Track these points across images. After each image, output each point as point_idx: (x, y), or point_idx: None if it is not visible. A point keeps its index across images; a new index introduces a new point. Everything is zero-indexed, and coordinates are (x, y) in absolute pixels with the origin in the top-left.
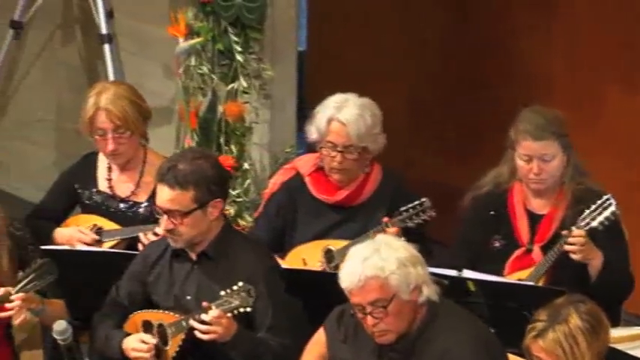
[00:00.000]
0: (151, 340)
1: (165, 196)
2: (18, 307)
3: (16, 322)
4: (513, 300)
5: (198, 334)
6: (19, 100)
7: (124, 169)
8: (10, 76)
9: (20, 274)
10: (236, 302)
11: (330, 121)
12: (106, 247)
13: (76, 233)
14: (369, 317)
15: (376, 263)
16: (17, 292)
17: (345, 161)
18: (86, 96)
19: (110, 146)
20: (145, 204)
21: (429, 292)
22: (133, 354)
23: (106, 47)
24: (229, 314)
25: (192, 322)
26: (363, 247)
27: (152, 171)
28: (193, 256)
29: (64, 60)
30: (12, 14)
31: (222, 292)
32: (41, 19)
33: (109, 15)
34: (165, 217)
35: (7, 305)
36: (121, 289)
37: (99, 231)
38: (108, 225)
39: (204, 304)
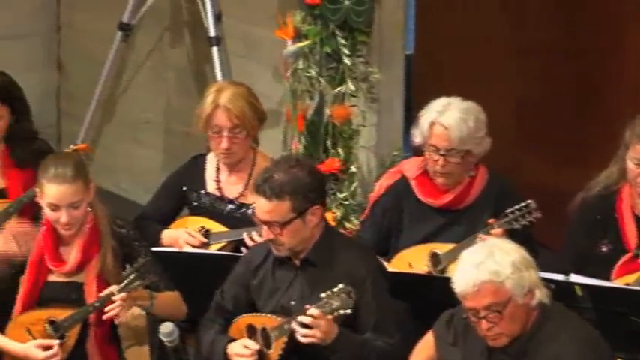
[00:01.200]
0: (254, 345)
1: (263, 207)
2: (119, 306)
3: (117, 321)
4: (621, 305)
5: (298, 337)
6: (128, 102)
7: (233, 171)
8: (119, 78)
9: (123, 272)
10: (336, 304)
11: (432, 124)
12: (213, 249)
13: (183, 235)
14: (483, 321)
15: (491, 267)
16: (119, 292)
17: (447, 165)
18: (205, 93)
19: (224, 144)
20: (254, 206)
21: (541, 295)
22: (236, 359)
23: (215, 50)
24: (330, 316)
25: (293, 325)
26: (476, 250)
27: (260, 173)
28: (297, 262)
29: (172, 62)
30: (121, 16)
31: (323, 294)
32: (150, 22)
33: (218, 18)
34: (264, 227)
35: (107, 308)
36: (225, 293)
37: (206, 233)
38: (215, 227)
39: (306, 306)
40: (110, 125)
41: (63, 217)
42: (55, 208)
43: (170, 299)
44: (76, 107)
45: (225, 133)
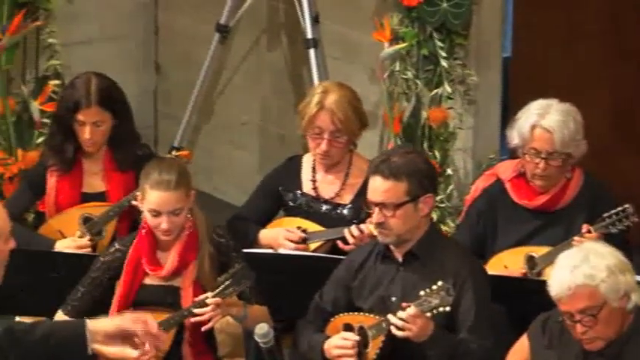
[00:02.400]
0: (353, 337)
1: (379, 187)
2: (212, 311)
3: (205, 327)
4: None
5: (393, 330)
6: (224, 103)
7: (329, 171)
8: (216, 80)
9: (218, 279)
10: (435, 301)
11: (533, 127)
12: (311, 248)
13: (282, 232)
14: (578, 325)
15: (586, 271)
16: (214, 297)
17: (548, 168)
18: (309, 94)
19: (323, 146)
20: (349, 206)
21: (638, 298)
22: (335, 352)
23: (312, 52)
24: (428, 314)
25: (390, 317)
26: (571, 254)
27: (357, 173)
28: (399, 257)
29: (269, 64)
30: (218, 18)
31: (422, 292)
32: (247, 24)
33: (315, 20)
34: (376, 209)
35: (199, 311)
36: (325, 295)
37: (304, 232)
38: (312, 227)
39: (403, 304)
40: (207, 127)
41: (164, 223)
42: (157, 214)
43: (260, 314)
44: (174, 109)
45: (326, 136)
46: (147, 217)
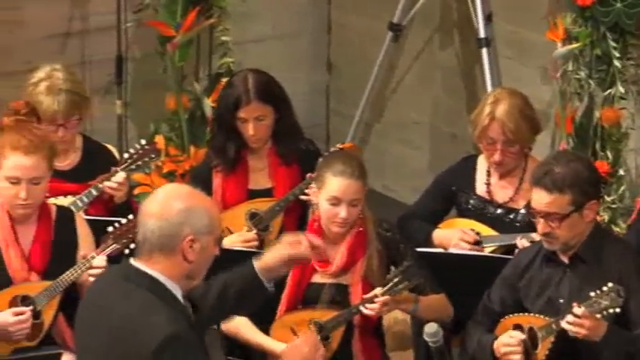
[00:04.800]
0: (520, 335)
1: (543, 199)
2: (380, 308)
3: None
4: None
5: (566, 326)
6: (396, 102)
7: (504, 175)
8: (388, 78)
9: (388, 275)
10: (605, 303)
11: None
12: (484, 252)
13: (457, 233)
14: None
15: None
16: (383, 294)
17: None
18: (481, 103)
19: (497, 157)
20: (523, 211)
21: None
22: (502, 349)
23: (484, 51)
24: (598, 315)
25: (561, 323)
26: None
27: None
28: (565, 260)
29: (441, 63)
30: (391, 17)
31: (592, 294)
32: (420, 22)
33: (488, 19)
34: (541, 220)
35: (369, 306)
36: (492, 295)
37: (477, 235)
38: (485, 230)
39: (574, 304)
40: (379, 125)
41: (342, 212)
42: (337, 202)
43: (436, 302)
44: (345, 106)
45: (498, 146)
46: (323, 207)
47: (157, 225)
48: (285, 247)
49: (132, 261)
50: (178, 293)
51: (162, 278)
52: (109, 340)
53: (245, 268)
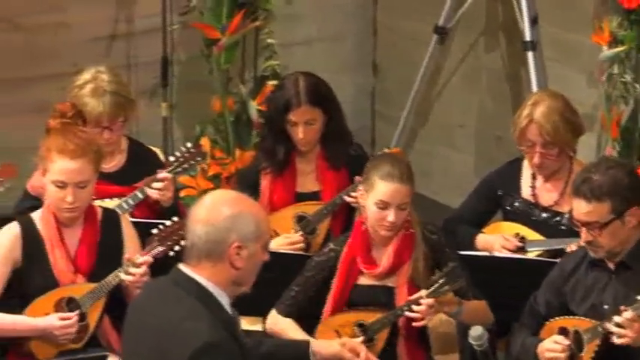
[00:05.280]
0: (564, 341)
1: (582, 209)
2: (425, 310)
3: (418, 324)
4: None
5: (613, 338)
6: (442, 105)
7: (549, 178)
8: (434, 81)
9: (432, 277)
10: None
11: None
12: (529, 256)
13: (499, 240)
14: None
15: None
16: (428, 296)
17: None
18: (522, 105)
19: (536, 160)
20: (568, 215)
21: None
22: (546, 354)
23: (530, 54)
24: None
25: (607, 325)
26: None
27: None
28: (611, 266)
29: (486, 66)
30: (437, 20)
31: (639, 297)
32: (465, 25)
33: (534, 21)
34: (583, 229)
35: (415, 308)
36: (539, 298)
37: (522, 240)
38: (530, 234)
39: (621, 307)
40: (424, 128)
41: (390, 216)
42: (385, 206)
43: (478, 307)
44: (391, 109)
45: (537, 149)
46: (371, 210)
47: (204, 231)
48: (344, 350)
49: (181, 266)
50: (224, 300)
51: (209, 285)
52: (152, 345)
53: (300, 345)
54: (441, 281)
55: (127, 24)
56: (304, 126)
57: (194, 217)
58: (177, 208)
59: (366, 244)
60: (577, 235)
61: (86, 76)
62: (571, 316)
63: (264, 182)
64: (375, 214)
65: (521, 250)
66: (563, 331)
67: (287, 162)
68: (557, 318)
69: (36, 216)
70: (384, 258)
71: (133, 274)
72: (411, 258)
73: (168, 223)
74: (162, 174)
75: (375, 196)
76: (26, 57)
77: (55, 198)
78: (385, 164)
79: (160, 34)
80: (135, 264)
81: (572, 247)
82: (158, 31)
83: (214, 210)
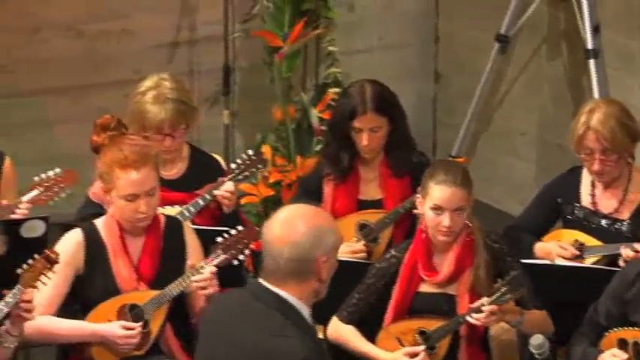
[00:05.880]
0: (623, 354)
1: None
2: (487, 318)
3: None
4: None
5: None
6: (503, 112)
7: (609, 186)
8: (496, 89)
9: (495, 285)
10: None
11: None
12: (587, 263)
13: (555, 248)
14: None
15: None
16: (491, 304)
17: None
18: (578, 113)
19: (596, 167)
20: (628, 221)
21: None
22: None
23: (592, 62)
24: None
25: None
26: None
27: (637, 189)
28: None
29: (548, 74)
30: (499, 28)
31: None
32: (527, 33)
33: (596, 30)
34: None
35: (475, 315)
36: (599, 307)
37: (580, 247)
38: (590, 241)
39: None
40: (485, 136)
41: (446, 220)
42: (440, 210)
43: (539, 318)
44: (452, 117)
45: (596, 155)
46: (427, 216)
47: (286, 250)
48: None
49: (261, 281)
50: (305, 312)
51: (292, 300)
52: (240, 359)
53: None
54: (503, 289)
55: (190, 31)
56: (369, 133)
57: (271, 235)
58: (238, 215)
59: (427, 251)
60: (637, 241)
61: (148, 83)
62: (631, 328)
63: (327, 189)
64: (431, 220)
65: (578, 257)
66: (622, 343)
67: (350, 169)
68: (617, 329)
69: (99, 223)
70: (445, 265)
71: (198, 281)
72: (472, 265)
73: (232, 231)
74: (227, 185)
75: (430, 200)
76: (88, 64)
77: (128, 211)
78: (440, 170)
79: (222, 41)
80: (198, 271)
81: (627, 250)
82: (220, 38)
83: (291, 226)
